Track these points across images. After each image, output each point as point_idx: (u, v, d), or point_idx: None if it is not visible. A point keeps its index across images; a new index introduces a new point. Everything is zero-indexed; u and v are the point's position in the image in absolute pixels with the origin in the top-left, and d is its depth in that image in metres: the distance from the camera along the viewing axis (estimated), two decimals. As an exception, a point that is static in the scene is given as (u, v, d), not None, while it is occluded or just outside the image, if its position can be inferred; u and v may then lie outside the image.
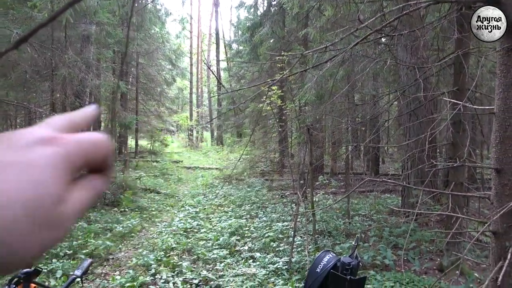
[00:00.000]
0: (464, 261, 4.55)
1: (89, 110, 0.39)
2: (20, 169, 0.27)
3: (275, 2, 13.44)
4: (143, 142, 21.69)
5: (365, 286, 1.31)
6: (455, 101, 2.78)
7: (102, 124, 15.68)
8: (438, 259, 5.33)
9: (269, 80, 3.98)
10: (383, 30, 3.25)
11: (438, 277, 4.74)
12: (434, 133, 4.53)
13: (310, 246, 5.51)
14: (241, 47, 19.78)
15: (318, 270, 1.27)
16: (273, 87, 7.07)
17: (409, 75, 5.98)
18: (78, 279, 2.34)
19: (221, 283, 4.54)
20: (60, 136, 0.31)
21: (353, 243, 1.30)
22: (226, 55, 27.47)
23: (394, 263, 5.00)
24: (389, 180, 2.93)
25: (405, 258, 5.31)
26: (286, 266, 4.96)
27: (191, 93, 33.30)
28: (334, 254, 1.34)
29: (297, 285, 4.41)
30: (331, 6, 6.35)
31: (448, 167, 4.19)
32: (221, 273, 4.91)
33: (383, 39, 6.15)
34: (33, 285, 2.22)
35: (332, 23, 7.02)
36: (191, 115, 30.82)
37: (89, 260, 2.48)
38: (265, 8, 15.18)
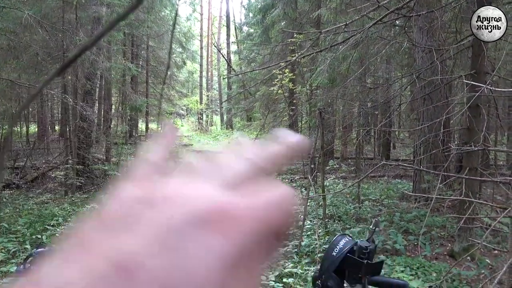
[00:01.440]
0: (478, 247, 4.52)
1: (289, 143, 0.25)
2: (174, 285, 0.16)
3: (287, -17, 13.16)
4: (154, 126, 21.80)
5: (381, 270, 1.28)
6: (477, 83, 2.70)
7: (113, 107, 15.75)
8: (449, 245, 5.30)
9: (281, 62, 3.92)
10: (401, 10, 3.16)
11: (449, 263, 4.72)
12: (449, 118, 4.44)
13: (320, 230, 5.51)
14: (251, 30, 19.56)
15: (334, 253, 1.25)
16: (285, 70, 6.98)
17: (425, 58, 5.83)
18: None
19: (231, 265, 4.58)
20: (233, 211, 0.19)
21: (371, 226, 1.28)
22: (237, 37, 27.22)
23: (405, 248, 4.98)
24: (405, 164, 2.88)
25: (415, 243, 5.29)
26: (296, 250, 4.97)
27: (201, 77, 33.18)
28: (351, 238, 1.32)
29: (307, 268, 4.43)
30: (346, -14, 6.18)
31: (463, 152, 4.12)
32: (231, 255, 4.95)
33: (397, 21, 6.00)
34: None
35: (346, 4, 6.85)
36: (201, 98, 30.78)
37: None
38: (276, -11, 14.91)
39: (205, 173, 0.21)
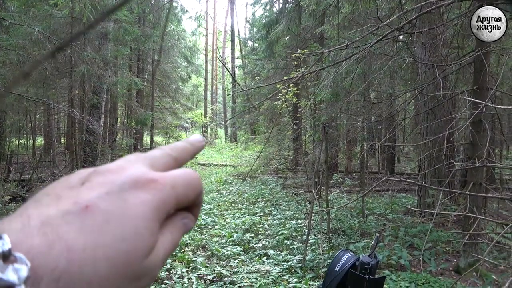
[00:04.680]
0: (482, 262, 4.49)
1: (193, 141, 0.36)
2: (112, 222, 0.25)
3: (291, -1, 13.38)
4: (158, 139, 21.91)
5: (383, 285, 1.30)
6: (477, 100, 2.73)
7: (119, 120, 15.88)
8: (455, 260, 5.26)
9: (285, 78, 3.98)
10: (403, 27, 3.21)
11: (455, 279, 4.68)
12: (453, 133, 4.46)
13: (324, 245, 5.50)
14: (256, 44, 19.77)
15: (337, 269, 1.27)
16: (289, 85, 7.05)
17: (428, 73, 5.88)
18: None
19: (235, 279, 4.57)
20: (155, 178, 0.28)
21: (372, 242, 1.30)
22: (241, 52, 27.50)
23: (410, 263, 4.95)
24: (407, 180, 2.89)
25: (420, 259, 5.26)
26: (300, 264, 4.96)
27: (205, 90, 33.45)
28: (353, 253, 1.34)
29: (311, 283, 4.41)
30: (349, 3, 6.29)
31: (466, 168, 4.12)
32: (235, 269, 4.94)
33: (400, 37, 6.07)
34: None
35: (350, 20, 6.95)
36: (205, 112, 30.98)
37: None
38: (280, 5, 15.15)
39: (137, 159, 0.31)
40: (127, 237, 0.25)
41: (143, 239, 0.26)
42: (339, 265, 1.29)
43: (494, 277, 4.65)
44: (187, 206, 0.32)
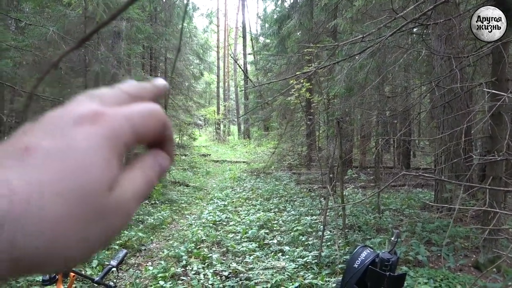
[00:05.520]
0: (503, 259, 4.39)
1: (155, 81, 0.33)
2: (57, 157, 0.23)
3: (302, -6, 13.26)
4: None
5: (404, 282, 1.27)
6: (498, 92, 2.65)
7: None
8: (474, 256, 5.16)
9: (298, 73, 3.94)
10: (418, 19, 3.15)
11: (474, 275, 4.59)
12: (471, 126, 4.36)
13: (340, 241, 5.45)
14: (268, 40, 19.69)
15: (356, 265, 1.25)
16: (302, 80, 7.00)
17: (444, 65, 5.76)
18: (114, 269, 2.42)
19: (250, 275, 4.57)
20: (104, 111, 0.26)
21: (392, 238, 1.27)
22: (253, 48, 27.44)
23: (428, 259, 4.87)
24: (426, 175, 2.84)
25: (438, 254, 5.17)
26: (316, 260, 4.93)
27: (218, 87, 33.50)
28: (372, 250, 1.31)
29: (327, 279, 4.39)
30: (362, -5, 6.19)
31: (485, 161, 4.03)
32: (251, 265, 4.95)
33: (415, 29, 5.96)
34: (72, 273, 2.31)
35: (363, 14, 6.84)
36: (218, 108, 31.04)
37: (125, 251, 2.55)
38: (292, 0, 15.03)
39: (83, 99, 0.27)
40: (76, 170, 0.23)
41: (96, 171, 0.24)
42: (358, 262, 1.27)
43: (515, 273, 4.55)
44: (154, 141, 0.30)
